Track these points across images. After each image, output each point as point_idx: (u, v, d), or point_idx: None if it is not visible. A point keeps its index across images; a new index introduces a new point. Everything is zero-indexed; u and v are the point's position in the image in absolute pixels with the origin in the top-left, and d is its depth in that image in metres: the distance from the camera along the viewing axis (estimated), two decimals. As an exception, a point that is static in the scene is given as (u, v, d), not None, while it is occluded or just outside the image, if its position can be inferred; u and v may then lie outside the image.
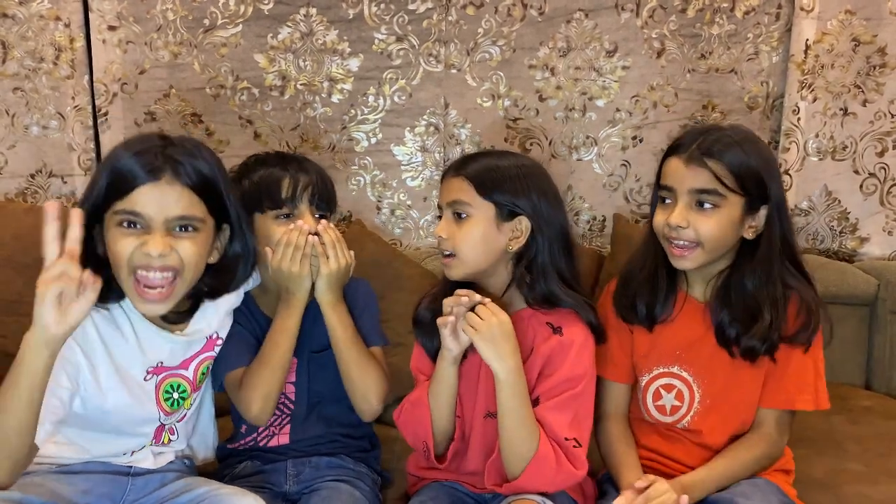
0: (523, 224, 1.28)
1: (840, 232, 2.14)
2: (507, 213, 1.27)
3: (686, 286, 1.38)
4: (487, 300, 1.23)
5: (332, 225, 1.37)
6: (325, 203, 1.42)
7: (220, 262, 1.25)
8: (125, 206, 1.12)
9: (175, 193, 1.13)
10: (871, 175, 2.10)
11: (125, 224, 1.13)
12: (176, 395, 1.32)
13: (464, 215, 1.27)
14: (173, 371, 1.32)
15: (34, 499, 1.18)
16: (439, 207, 1.33)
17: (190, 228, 1.16)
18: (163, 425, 1.34)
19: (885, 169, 2.09)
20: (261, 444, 1.46)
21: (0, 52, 1.98)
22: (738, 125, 1.45)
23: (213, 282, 1.27)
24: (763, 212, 1.30)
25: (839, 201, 2.12)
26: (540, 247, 1.28)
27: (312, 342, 1.44)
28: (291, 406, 1.46)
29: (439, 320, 1.25)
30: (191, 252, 1.16)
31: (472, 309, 1.23)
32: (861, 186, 2.11)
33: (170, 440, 1.37)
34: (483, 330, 1.20)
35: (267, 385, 1.34)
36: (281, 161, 1.42)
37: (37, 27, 1.97)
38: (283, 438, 1.46)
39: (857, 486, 1.49)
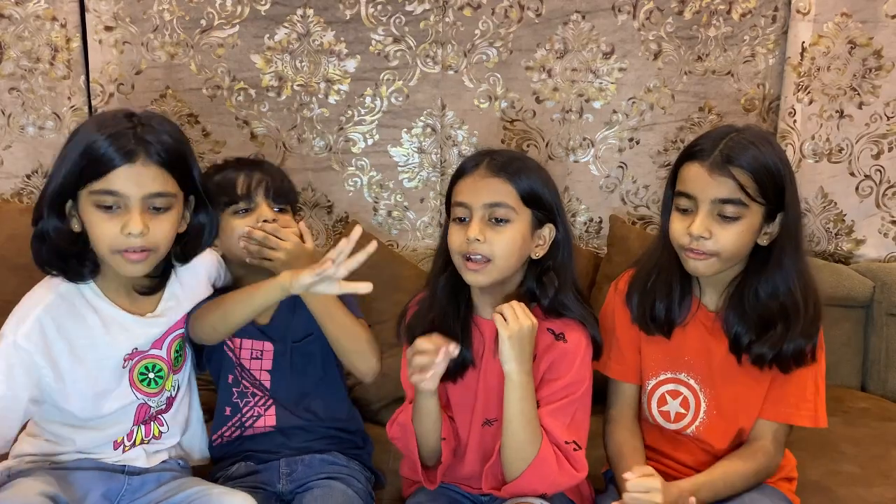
0: (547, 231, 1.28)
1: (836, 234, 2.14)
2: (538, 221, 1.27)
3: (700, 294, 1.35)
4: (520, 304, 1.22)
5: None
6: (281, 197, 1.45)
7: (187, 231, 1.31)
8: (103, 186, 1.17)
9: (150, 173, 1.19)
10: (867, 177, 2.11)
11: (104, 206, 1.18)
12: (152, 375, 1.33)
13: (504, 220, 1.23)
14: (146, 353, 1.33)
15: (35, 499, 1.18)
16: (462, 207, 1.26)
17: (162, 208, 1.22)
18: (147, 406, 1.34)
19: (880, 171, 2.10)
20: (247, 424, 1.46)
21: (-4, 52, 1.98)
22: (752, 125, 1.37)
23: (180, 249, 1.32)
24: (779, 219, 1.26)
25: (835, 203, 2.13)
26: (560, 254, 1.29)
27: (294, 332, 1.47)
28: (268, 391, 1.47)
29: (413, 378, 1.21)
30: (164, 231, 1.23)
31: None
32: (857, 189, 2.12)
33: (161, 433, 1.37)
34: (514, 330, 1.19)
35: (218, 330, 1.36)
36: (236, 164, 1.48)
37: (33, 27, 1.97)
38: (270, 420, 1.46)
39: (853, 487, 1.49)
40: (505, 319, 1.20)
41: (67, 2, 1.95)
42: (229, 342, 1.46)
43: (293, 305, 1.42)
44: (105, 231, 1.18)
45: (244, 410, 1.47)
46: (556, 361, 1.28)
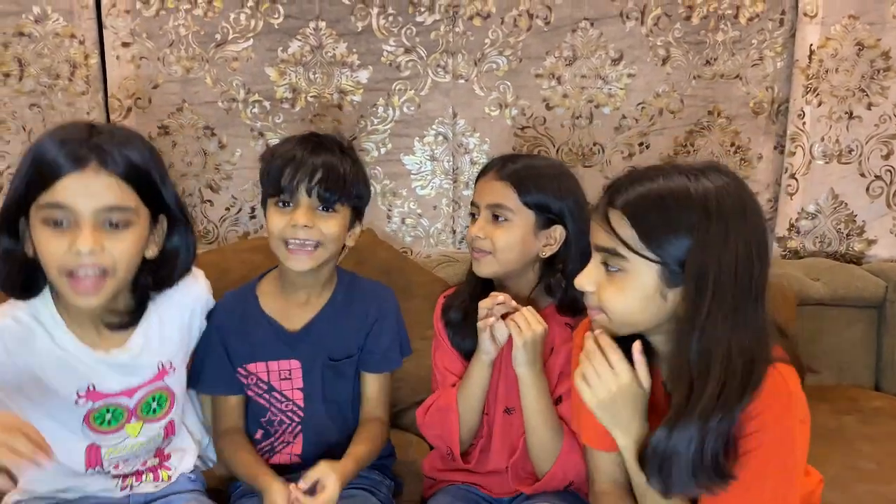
0: (558, 232, 1.31)
1: (847, 234, 2.15)
2: (544, 222, 1.31)
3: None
4: (531, 309, 1.25)
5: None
6: (330, 193, 1.28)
7: (160, 256, 1.16)
8: (49, 198, 1.03)
9: (102, 183, 1.04)
10: (878, 178, 2.12)
11: (52, 223, 1.04)
12: (109, 417, 1.20)
13: (502, 218, 1.30)
14: (111, 398, 1.19)
15: None
16: (474, 205, 1.35)
17: (121, 225, 1.07)
18: (97, 448, 1.22)
19: (891, 171, 2.11)
20: (277, 449, 1.43)
21: (17, 69, 2.02)
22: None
23: (153, 277, 1.18)
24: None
25: (846, 204, 2.14)
26: (573, 255, 1.31)
27: (331, 348, 1.40)
28: (301, 413, 1.41)
29: (480, 323, 1.27)
30: (123, 250, 1.07)
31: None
32: (867, 189, 2.13)
33: (169, 476, 1.31)
34: (528, 337, 1.23)
35: None
36: (301, 143, 1.32)
37: (52, 45, 2.01)
38: (297, 448, 1.42)
39: (870, 484, 1.50)
40: (518, 327, 1.23)
41: (85, 19, 1.99)
42: (245, 374, 1.38)
43: (334, 320, 1.38)
44: (52, 249, 1.03)
45: (276, 435, 1.42)
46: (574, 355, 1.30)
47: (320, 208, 1.29)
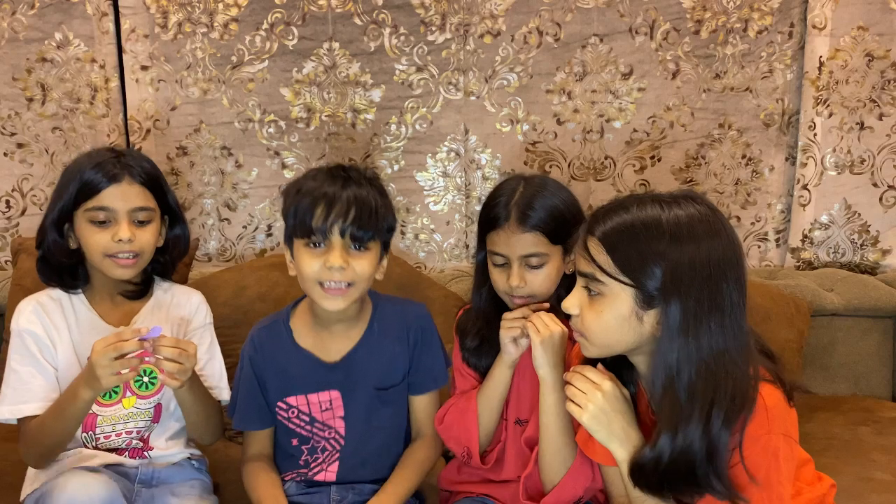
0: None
1: (861, 245, 2.15)
2: (569, 248, 1.34)
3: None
4: (549, 314, 1.29)
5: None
6: (363, 232, 1.27)
7: (165, 245, 1.49)
8: (95, 204, 1.37)
9: (134, 190, 1.39)
10: (891, 188, 2.12)
11: (97, 222, 1.37)
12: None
13: (540, 265, 1.32)
14: None
15: None
16: (498, 255, 1.33)
17: (145, 221, 1.41)
18: (94, 416, 1.38)
19: (903, 181, 2.11)
20: (313, 470, 1.42)
21: (40, 94, 2.08)
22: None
23: (159, 259, 1.49)
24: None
25: (859, 214, 2.14)
26: None
27: (377, 378, 1.39)
28: (342, 441, 1.40)
29: (505, 333, 1.31)
30: (148, 239, 1.41)
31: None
32: (881, 199, 2.13)
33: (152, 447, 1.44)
34: (545, 336, 1.26)
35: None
36: (329, 178, 1.30)
37: (74, 69, 2.07)
38: (330, 476, 1.41)
39: (885, 494, 1.49)
40: (536, 328, 1.27)
41: (106, 44, 2.05)
42: (285, 408, 1.39)
43: (376, 345, 1.38)
44: (99, 241, 1.37)
45: (311, 464, 1.42)
46: None
47: (353, 247, 1.28)
